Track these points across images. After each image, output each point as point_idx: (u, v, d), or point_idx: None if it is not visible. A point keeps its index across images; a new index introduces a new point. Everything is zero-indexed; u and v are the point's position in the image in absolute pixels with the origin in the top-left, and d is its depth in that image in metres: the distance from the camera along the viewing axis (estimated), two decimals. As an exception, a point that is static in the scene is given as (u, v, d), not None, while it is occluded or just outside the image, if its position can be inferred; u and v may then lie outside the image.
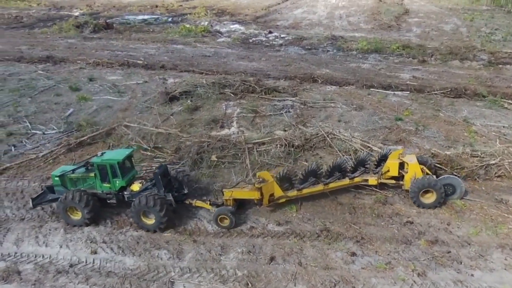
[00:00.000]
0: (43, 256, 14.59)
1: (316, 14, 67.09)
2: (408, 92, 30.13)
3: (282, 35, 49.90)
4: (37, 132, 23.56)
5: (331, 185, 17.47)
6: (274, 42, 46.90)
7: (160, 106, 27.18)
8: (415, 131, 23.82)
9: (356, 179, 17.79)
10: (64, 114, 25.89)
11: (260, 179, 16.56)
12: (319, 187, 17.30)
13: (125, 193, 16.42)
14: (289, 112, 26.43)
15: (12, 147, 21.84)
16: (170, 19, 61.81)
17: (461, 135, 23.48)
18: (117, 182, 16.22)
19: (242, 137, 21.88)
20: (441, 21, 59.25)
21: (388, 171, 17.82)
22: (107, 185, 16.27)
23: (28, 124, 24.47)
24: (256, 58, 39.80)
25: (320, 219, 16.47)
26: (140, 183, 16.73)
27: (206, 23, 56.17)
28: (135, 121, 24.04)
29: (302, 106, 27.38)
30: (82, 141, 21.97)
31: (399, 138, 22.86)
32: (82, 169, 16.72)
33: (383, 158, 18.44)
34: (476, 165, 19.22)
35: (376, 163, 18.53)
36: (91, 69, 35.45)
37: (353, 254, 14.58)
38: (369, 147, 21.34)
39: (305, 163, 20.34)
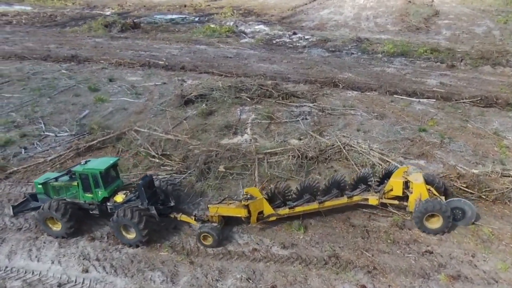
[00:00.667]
0: (33, 273, 13.46)
1: (343, 15, 64.37)
2: (434, 100, 27.61)
3: (306, 37, 47.77)
4: (50, 134, 22.68)
5: (327, 203, 15.59)
6: (297, 44, 44.88)
7: (175, 109, 25.87)
8: (440, 144, 21.50)
9: (355, 198, 15.83)
10: (78, 116, 24.94)
11: (248, 196, 14.89)
12: (314, 205, 15.46)
13: (108, 204, 15.10)
14: (306, 119, 24.56)
15: (23, 150, 21.00)
16: (197, 19, 60.68)
17: (490, 149, 21.00)
18: (100, 192, 14.94)
19: (253, 146, 20.22)
20: (472, 23, 55.49)
21: (392, 190, 15.74)
22: (90, 195, 15.03)
23: (42, 125, 23.65)
24: (277, 60, 37.96)
25: (329, 243, 14.64)
26: (124, 194, 15.38)
27: (231, 23, 54.65)
28: (146, 126, 22.77)
29: (320, 113, 25.43)
30: (92, 145, 20.87)
31: (421, 151, 20.62)
32: (66, 177, 15.52)
33: (387, 175, 16.38)
34: (507, 187, 16.84)
35: (379, 180, 16.51)
36: (112, 69, 34.59)
37: (363, 287, 12.72)
38: (387, 161, 19.27)
39: (318, 176, 18.52)
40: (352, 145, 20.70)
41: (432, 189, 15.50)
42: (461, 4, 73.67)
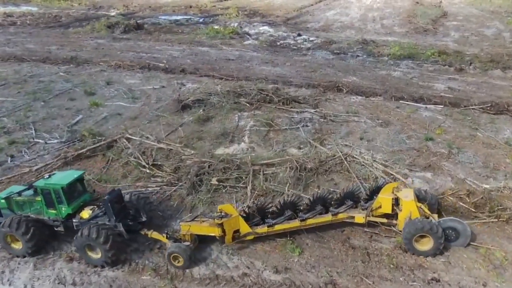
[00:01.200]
0: (3, 298, 12.32)
1: (349, 16, 62.66)
2: (442, 106, 25.99)
3: (311, 38, 46.24)
4: (40, 141, 21.53)
5: (310, 221, 14.23)
6: (301, 46, 43.37)
7: (171, 115, 24.60)
8: (448, 155, 19.95)
9: (340, 215, 14.43)
10: (71, 122, 23.78)
11: (222, 213, 13.58)
12: (295, 224, 14.13)
13: (74, 220, 13.88)
14: (306, 126, 23.15)
15: (9, 158, 19.87)
16: (201, 20, 59.43)
17: (502, 161, 19.41)
18: (63, 208, 13.75)
19: (249, 157, 18.85)
20: (481, 25, 53.51)
21: (380, 207, 14.33)
22: (53, 211, 13.84)
23: (33, 131, 22.52)
24: (280, 62, 36.53)
25: (327, 267, 13.25)
26: (91, 209, 14.14)
27: (236, 24, 53.28)
28: (139, 133, 21.51)
29: (322, 119, 23.98)
30: (81, 153, 19.67)
31: (428, 163, 19.09)
32: (30, 192, 14.31)
33: (376, 191, 14.95)
34: (522, 205, 15.31)
35: (367, 196, 15.10)
36: (111, 72, 33.42)
37: (362, 321, 11.35)
38: (391, 174, 17.82)
39: (316, 190, 17.10)
40: (355, 155, 19.26)
41: (423, 207, 14.12)
42: (470, 5, 71.53)
